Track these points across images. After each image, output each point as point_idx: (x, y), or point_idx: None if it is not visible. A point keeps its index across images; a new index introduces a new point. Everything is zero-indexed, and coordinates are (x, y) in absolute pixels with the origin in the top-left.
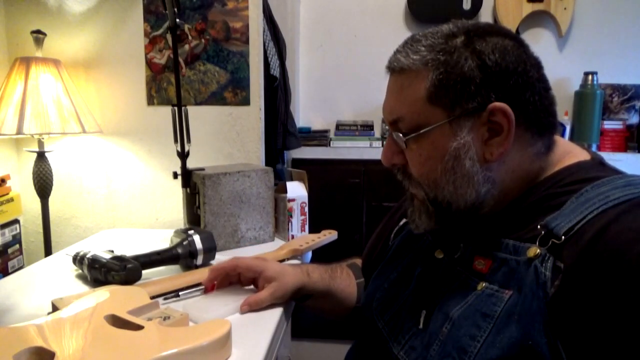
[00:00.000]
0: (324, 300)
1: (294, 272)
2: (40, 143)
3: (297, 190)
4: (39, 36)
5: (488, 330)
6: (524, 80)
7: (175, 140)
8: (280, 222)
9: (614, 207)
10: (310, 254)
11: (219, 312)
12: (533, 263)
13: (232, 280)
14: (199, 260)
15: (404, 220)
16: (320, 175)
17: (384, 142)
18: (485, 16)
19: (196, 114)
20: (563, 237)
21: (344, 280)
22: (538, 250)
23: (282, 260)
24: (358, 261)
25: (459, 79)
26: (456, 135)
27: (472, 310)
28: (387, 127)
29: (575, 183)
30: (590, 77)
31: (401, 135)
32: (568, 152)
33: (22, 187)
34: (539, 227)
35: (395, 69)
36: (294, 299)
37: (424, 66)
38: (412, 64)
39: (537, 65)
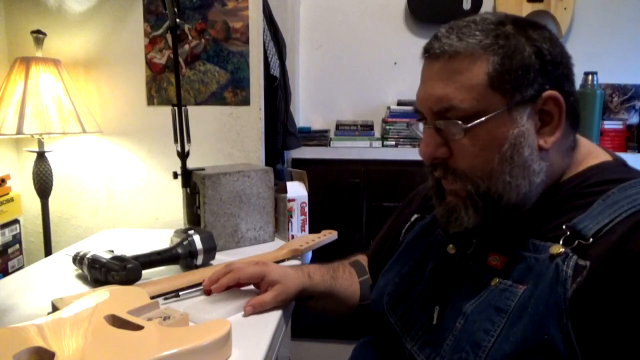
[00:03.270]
0: (326, 300)
1: (295, 274)
2: (40, 143)
3: (297, 190)
4: (39, 36)
5: (502, 325)
6: (567, 72)
7: (175, 140)
8: (280, 222)
9: None
10: (310, 254)
11: (219, 312)
12: (555, 260)
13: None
14: (199, 260)
15: (415, 216)
16: (320, 175)
17: (384, 142)
18: None
19: (196, 114)
20: (591, 239)
21: (346, 279)
22: (562, 249)
23: (282, 261)
24: (361, 258)
25: (520, 65)
26: (516, 123)
27: (485, 305)
28: (415, 119)
29: (600, 184)
30: (590, 77)
31: (460, 123)
32: (591, 153)
33: (22, 187)
34: (564, 227)
35: (445, 52)
36: (295, 300)
37: (482, 50)
38: (468, 47)
39: (571, 58)
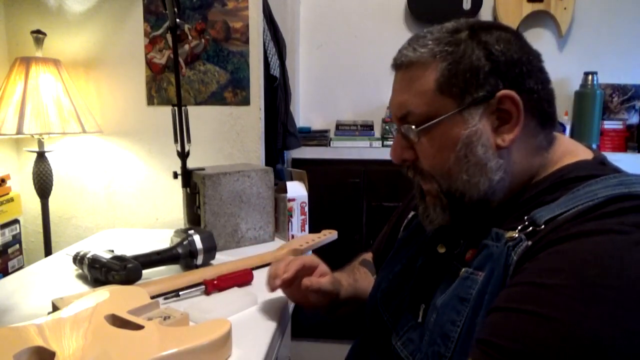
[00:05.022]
0: (352, 304)
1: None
2: (40, 143)
3: (297, 190)
4: (39, 36)
5: (466, 314)
6: (528, 69)
7: (175, 140)
8: (280, 222)
9: (600, 203)
10: (310, 254)
11: (219, 312)
12: (507, 245)
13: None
14: (199, 260)
15: (412, 214)
16: (320, 175)
17: (384, 142)
18: (485, 16)
19: (196, 114)
20: (543, 225)
21: (365, 280)
22: (516, 235)
23: None
24: (367, 256)
25: (467, 68)
26: (467, 123)
27: (451, 296)
28: (394, 126)
29: (570, 181)
30: (590, 77)
31: (413, 127)
32: (570, 152)
33: (22, 187)
34: (524, 218)
35: (402, 63)
36: (326, 311)
37: (432, 58)
38: (420, 57)
39: (538, 56)
